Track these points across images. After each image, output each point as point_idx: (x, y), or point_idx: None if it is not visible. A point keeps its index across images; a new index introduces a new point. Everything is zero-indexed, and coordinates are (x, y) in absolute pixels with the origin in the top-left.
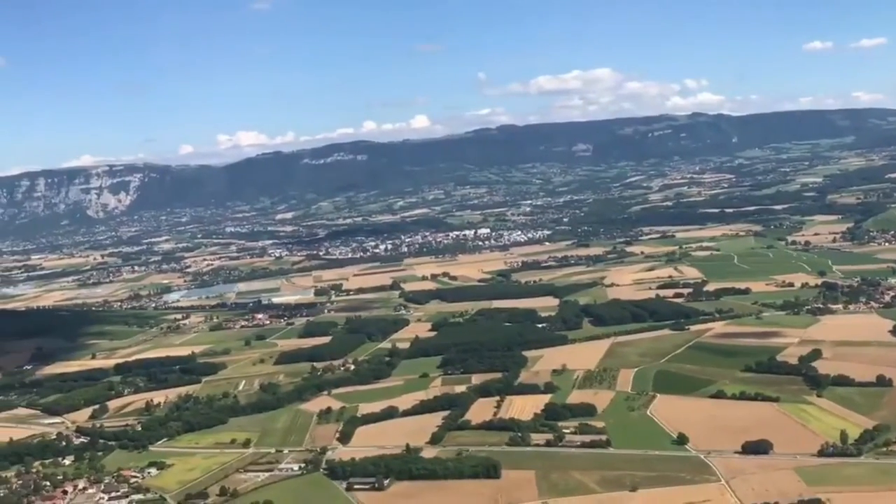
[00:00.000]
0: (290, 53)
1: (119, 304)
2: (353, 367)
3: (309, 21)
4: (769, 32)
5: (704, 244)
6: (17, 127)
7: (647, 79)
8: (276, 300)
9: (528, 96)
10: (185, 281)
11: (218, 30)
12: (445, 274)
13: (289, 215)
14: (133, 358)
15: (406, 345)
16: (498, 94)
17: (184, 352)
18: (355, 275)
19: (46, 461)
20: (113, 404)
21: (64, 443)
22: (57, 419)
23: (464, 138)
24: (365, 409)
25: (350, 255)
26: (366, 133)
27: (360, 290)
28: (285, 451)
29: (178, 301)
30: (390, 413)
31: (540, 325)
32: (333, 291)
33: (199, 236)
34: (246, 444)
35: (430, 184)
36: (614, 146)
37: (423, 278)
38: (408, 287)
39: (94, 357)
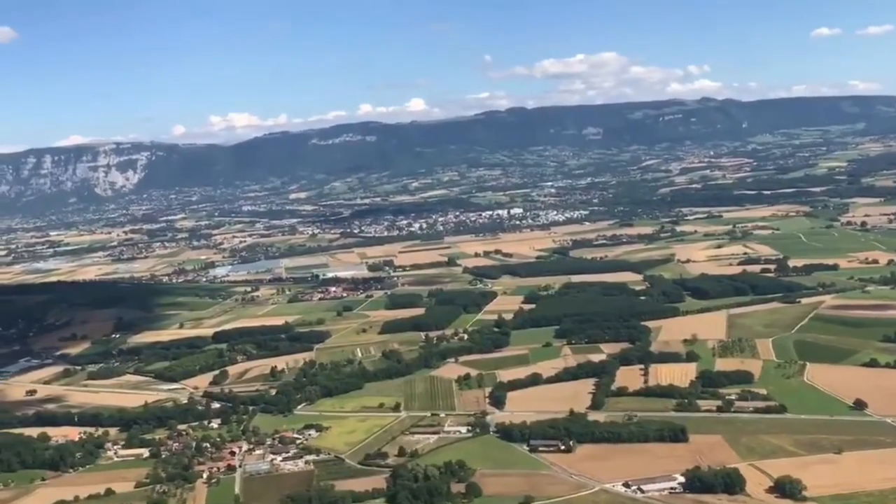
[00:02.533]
0: (298, 32)
1: (166, 278)
2: (465, 336)
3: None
4: (777, 19)
5: (759, 224)
6: (14, 103)
7: (650, 64)
8: (331, 275)
9: (533, 79)
10: (223, 257)
11: (229, 8)
12: (497, 251)
13: (302, 195)
14: (230, 327)
15: (510, 316)
16: (502, 77)
17: (276, 321)
18: (401, 251)
19: (193, 424)
20: (232, 370)
21: (202, 407)
22: (175, 385)
23: (472, 120)
24: (504, 376)
25: (385, 234)
26: (363, 115)
27: (416, 266)
28: (442, 415)
29: (227, 276)
30: (534, 380)
31: (641, 298)
32: (387, 267)
33: (216, 214)
34: (396, 408)
35: (443, 165)
36: (625, 130)
37: (476, 255)
38: (465, 263)
39: (181, 326)
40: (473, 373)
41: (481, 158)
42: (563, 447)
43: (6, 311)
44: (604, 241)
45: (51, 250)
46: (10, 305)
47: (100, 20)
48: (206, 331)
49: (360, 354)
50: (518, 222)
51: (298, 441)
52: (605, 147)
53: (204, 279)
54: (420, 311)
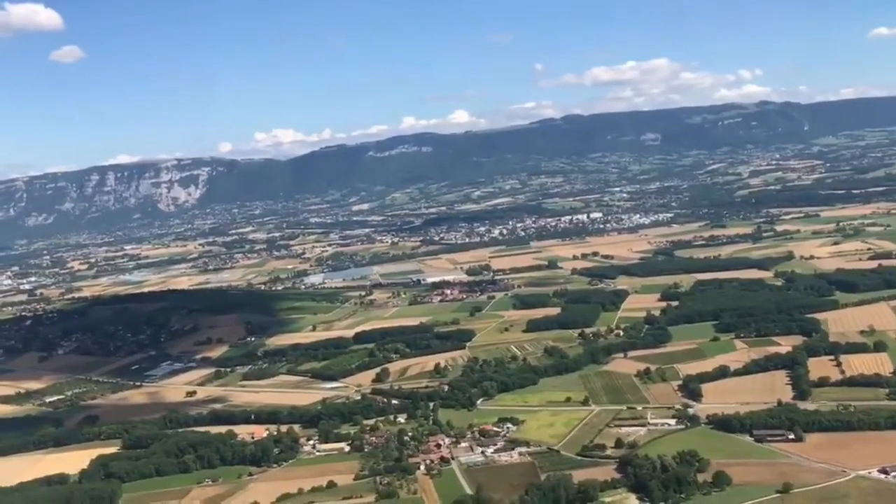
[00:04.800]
0: (339, 49)
1: (263, 286)
2: (621, 332)
3: (390, 8)
4: (832, 21)
5: (863, 221)
6: (72, 122)
7: (700, 70)
8: (434, 279)
9: (582, 87)
10: (310, 265)
11: (270, 27)
12: (595, 254)
13: (365, 206)
14: (369, 328)
15: (657, 313)
16: (552, 86)
17: (410, 322)
18: (491, 256)
19: (379, 419)
20: (392, 368)
21: (383, 403)
22: (336, 383)
23: (527, 129)
24: (686, 369)
25: (467, 240)
26: (407, 128)
27: (515, 270)
28: (639, 408)
29: (323, 283)
30: (723, 372)
31: (788, 292)
32: (486, 272)
33: (284, 226)
34: (585, 401)
35: (501, 174)
36: (683, 135)
37: (574, 258)
38: (566, 266)
39: (314, 329)
40: (652, 367)
41: (540, 166)
42: (791, 436)
43: (128, 318)
44: (703, 242)
45: (132, 263)
46: (130, 313)
47: (152, 43)
48: (345, 332)
49: (517, 351)
50: (601, 226)
51: (501, 434)
52: (665, 152)
53: (303, 286)
54: (553, 310)
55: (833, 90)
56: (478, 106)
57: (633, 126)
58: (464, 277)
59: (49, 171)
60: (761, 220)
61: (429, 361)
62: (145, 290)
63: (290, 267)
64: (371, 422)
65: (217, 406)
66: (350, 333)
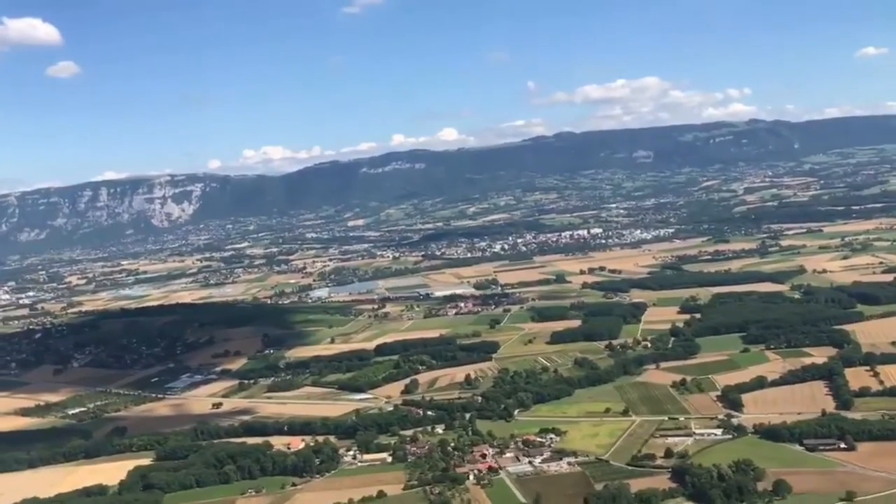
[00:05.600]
0: (345, 64)
1: (269, 300)
2: (648, 344)
3: (388, 26)
4: (820, 40)
5: (868, 237)
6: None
7: (689, 88)
8: (444, 293)
9: (572, 105)
10: (313, 280)
11: (262, 48)
12: (602, 268)
13: (360, 222)
14: (389, 340)
15: (680, 324)
16: (543, 104)
17: (430, 334)
18: (496, 271)
19: (417, 430)
20: (422, 379)
21: (419, 414)
22: (364, 395)
23: (520, 146)
24: (723, 380)
25: (468, 255)
26: (396, 145)
27: (523, 284)
28: (681, 419)
29: (329, 297)
30: (760, 383)
31: (811, 305)
32: (494, 286)
33: (281, 242)
34: (625, 412)
35: (496, 191)
36: (675, 153)
37: (581, 272)
38: (574, 280)
39: (333, 341)
40: (688, 378)
41: (534, 183)
42: (843, 445)
43: (140, 331)
44: (709, 257)
45: (131, 278)
46: (141, 326)
47: (145, 58)
48: (365, 344)
49: (546, 363)
50: (603, 241)
51: (545, 444)
52: (658, 170)
53: (309, 300)
54: (573, 322)
55: (819, 109)
56: (468, 124)
57: (625, 144)
58: (473, 291)
59: (40, 186)
60: (764, 235)
61: (457, 373)
62: (151, 304)
63: (292, 281)
64: (409, 432)
65: (246, 417)
66: (371, 345)
